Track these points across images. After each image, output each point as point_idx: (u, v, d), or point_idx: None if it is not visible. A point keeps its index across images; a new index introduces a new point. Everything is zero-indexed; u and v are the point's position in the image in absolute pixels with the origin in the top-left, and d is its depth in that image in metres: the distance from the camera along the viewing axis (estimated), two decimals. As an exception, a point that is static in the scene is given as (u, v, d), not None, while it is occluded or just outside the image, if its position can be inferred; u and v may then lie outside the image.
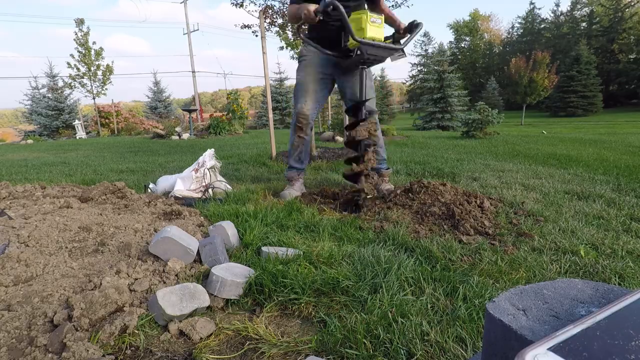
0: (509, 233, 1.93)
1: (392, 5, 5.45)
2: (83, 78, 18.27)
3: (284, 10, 5.06)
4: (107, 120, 18.72)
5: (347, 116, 5.65)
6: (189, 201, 2.62)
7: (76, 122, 17.18)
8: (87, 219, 1.86)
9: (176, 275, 1.48)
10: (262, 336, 1.16)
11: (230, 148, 7.00)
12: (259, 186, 3.12)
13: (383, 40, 2.21)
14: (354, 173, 2.40)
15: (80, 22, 17.98)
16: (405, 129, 15.60)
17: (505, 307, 0.53)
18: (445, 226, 2.05)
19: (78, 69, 18.10)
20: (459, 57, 43.79)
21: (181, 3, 24.46)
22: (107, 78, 18.68)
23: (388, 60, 2.38)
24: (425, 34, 39.65)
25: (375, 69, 63.51)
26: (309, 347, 1.11)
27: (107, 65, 18.72)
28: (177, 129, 11.81)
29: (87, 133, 17.89)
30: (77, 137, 16.13)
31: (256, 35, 4.97)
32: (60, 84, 19.62)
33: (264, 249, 1.68)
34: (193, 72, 23.98)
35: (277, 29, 5.22)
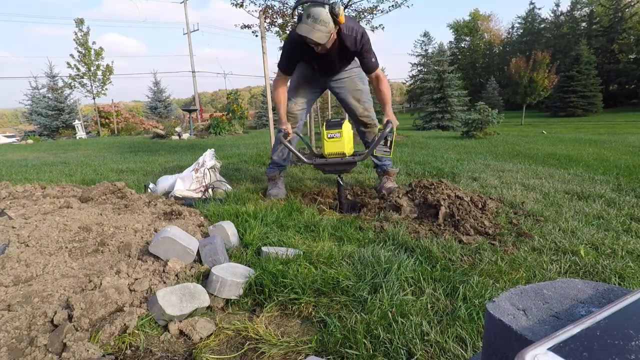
0: (509, 233, 1.92)
1: (392, 5, 5.45)
2: (83, 78, 18.28)
3: (284, 10, 5.07)
4: (107, 120, 18.72)
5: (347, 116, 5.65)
6: (189, 201, 2.62)
7: (76, 122, 17.18)
8: (87, 219, 1.86)
9: (176, 275, 1.48)
10: (262, 336, 1.16)
11: (230, 148, 7.00)
12: (259, 186, 3.12)
13: (345, 153, 2.37)
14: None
15: (80, 22, 17.98)
16: (405, 129, 15.60)
17: (506, 307, 0.53)
18: (445, 226, 2.05)
19: (78, 69, 18.11)
20: (459, 57, 43.80)
21: (181, 3, 24.47)
22: (107, 78, 18.68)
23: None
24: (425, 34, 39.68)
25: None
26: (309, 347, 1.11)
27: (107, 65, 18.73)
28: (177, 129, 11.82)
29: (87, 133, 17.89)
30: (77, 137, 16.13)
31: (256, 36, 4.97)
32: (60, 84, 19.62)
33: (264, 249, 1.68)
34: (193, 72, 23.99)
35: (277, 29, 5.22)
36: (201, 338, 1.17)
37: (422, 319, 1.16)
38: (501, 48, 43.48)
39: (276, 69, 2.56)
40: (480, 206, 2.24)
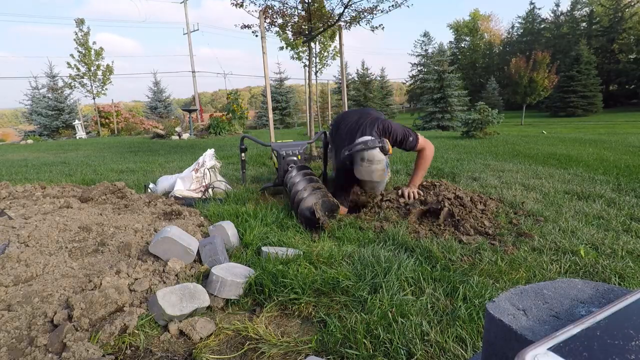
0: (509, 233, 1.92)
1: (392, 5, 5.44)
2: (83, 78, 18.26)
3: (284, 10, 5.06)
4: (107, 120, 18.70)
5: None
6: (189, 201, 2.62)
7: (76, 122, 17.17)
8: (87, 219, 1.86)
9: (176, 275, 1.48)
10: (262, 336, 1.16)
11: (230, 148, 6.99)
12: (259, 186, 3.12)
13: None
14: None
15: (80, 22, 17.97)
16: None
17: (506, 307, 0.53)
18: (445, 226, 2.04)
19: (78, 69, 18.09)
20: (459, 57, 43.77)
21: (181, 3, 24.46)
22: (107, 78, 18.67)
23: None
24: (425, 34, 39.66)
25: (376, 69, 63.44)
26: (309, 347, 1.11)
27: (107, 65, 18.71)
28: (177, 129, 11.82)
29: (87, 133, 17.88)
30: (77, 137, 16.12)
31: (256, 36, 4.96)
32: (60, 84, 19.61)
33: (264, 249, 1.68)
34: (193, 72, 23.99)
35: (277, 29, 5.21)
36: (201, 338, 1.16)
37: (422, 319, 1.16)
38: (501, 48, 43.47)
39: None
40: (480, 206, 2.24)
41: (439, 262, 1.58)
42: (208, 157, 3.02)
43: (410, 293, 1.34)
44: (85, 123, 19.09)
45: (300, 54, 5.89)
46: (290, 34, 5.32)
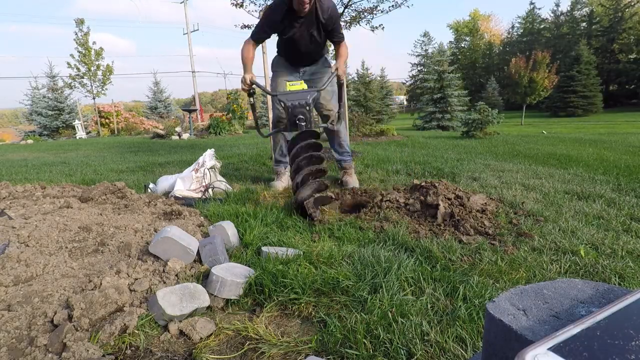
0: (509, 233, 1.93)
1: (392, 5, 5.45)
2: (83, 78, 18.27)
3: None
4: (107, 120, 18.71)
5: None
6: (189, 201, 2.62)
7: (76, 122, 17.18)
8: (87, 219, 1.86)
9: (176, 275, 1.48)
10: (262, 336, 1.16)
11: (230, 148, 7.00)
12: (259, 186, 3.12)
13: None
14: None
15: (80, 22, 17.97)
16: (405, 129, 15.61)
17: (506, 307, 0.53)
18: (445, 226, 2.05)
19: (78, 69, 18.10)
20: (459, 57, 43.77)
21: (181, 3, 24.47)
22: (107, 78, 18.67)
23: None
24: (425, 34, 39.67)
25: (376, 69, 63.39)
26: (309, 347, 1.11)
27: (107, 65, 18.72)
28: (177, 129, 11.81)
29: (87, 133, 17.89)
30: (77, 137, 16.13)
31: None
32: (60, 84, 19.61)
33: (264, 249, 1.68)
34: (193, 72, 24.00)
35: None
36: (201, 338, 1.17)
37: (422, 319, 1.16)
38: (501, 48, 43.47)
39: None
40: (482, 210, 2.24)
41: (439, 262, 1.58)
42: (208, 157, 3.02)
43: (410, 293, 1.34)
44: (85, 123, 19.09)
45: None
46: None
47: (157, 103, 25.14)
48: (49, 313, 1.15)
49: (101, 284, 1.31)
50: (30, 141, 14.51)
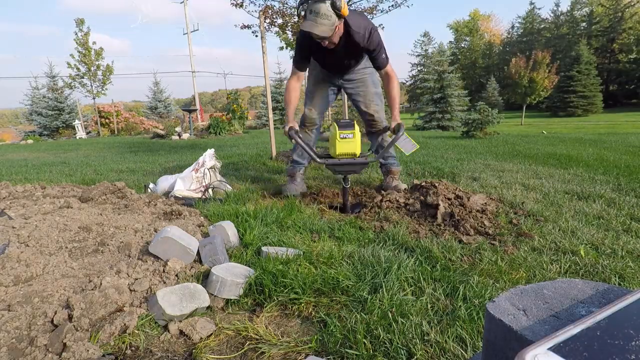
0: (509, 233, 1.92)
1: (392, 5, 5.45)
2: (83, 78, 18.26)
3: (284, 10, 5.06)
4: (107, 120, 18.70)
5: (346, 113, 5.65)
6: (189, 201, 2.62)
7: (76, 122, 17.17)
8: (87, 219, 1.86)
9: (176, 275, 1.48)
10: (262, 336, 1.16)
11: (230, 148, 7.00)
12: (259, 186, 3.12)
13: (356, 154, 2.38)
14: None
15: (80, 22, 17.96)
16: (405, 129, 15.57)
17: (506, 307, 0.53)
18: (445, 226, 2.05)
19: (78, 69, 18.09)
20: (459, 57, 43.79)
21: (181, 3, 24.46)
22: (107, 78, 18.67)
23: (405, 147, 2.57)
24: (425, 34, 39.71)
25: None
26: (309, 347, 1.11)
27: (107, 65, 18.71)
28: (177, 129, 11.81)
29: (87, 133, 17.88)
30: (77, 137, 16.13)
31: (256, 36, 4.97)
32: (60, 84, 19.61)
33: (264, 249, 1.68)
34: (193, 72, 23.99)
35: (277, 29, 5.21)
36: (201, 338, 1.17)
37: (422, 319, 1.16)
38: (501, 48, 43.48)
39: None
40: (482, 210, 2.24)
41: (439, 262, 1.58)
42: (208, 157, 3.02)
43: (410, 293, 1.34)
44: (85, 123, 19.09)
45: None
46: (290, 34, 5.32)
47: (157, 103, 25.14)
48: (49, 313, 1.15)
49: (101, 284, 1.31)
50: (30, 141, 14.50)
